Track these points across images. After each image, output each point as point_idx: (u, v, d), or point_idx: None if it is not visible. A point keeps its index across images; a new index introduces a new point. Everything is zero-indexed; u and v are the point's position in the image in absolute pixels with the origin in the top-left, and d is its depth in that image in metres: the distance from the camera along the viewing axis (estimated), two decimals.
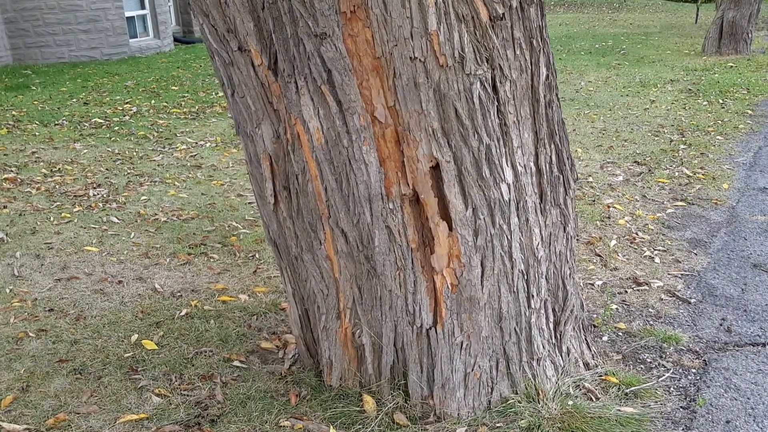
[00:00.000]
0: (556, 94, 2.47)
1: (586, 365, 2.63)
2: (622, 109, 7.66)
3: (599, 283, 3.46)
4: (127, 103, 8.81)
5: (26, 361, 2.88)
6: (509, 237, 2.30)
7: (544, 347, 2.45)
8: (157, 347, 2.97)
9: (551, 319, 2.50)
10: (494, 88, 2.23)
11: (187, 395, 2.62)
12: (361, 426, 2.33)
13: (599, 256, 3.78)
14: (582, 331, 2.66)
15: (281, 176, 2.46)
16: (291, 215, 2.47)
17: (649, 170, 5.44)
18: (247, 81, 2.37)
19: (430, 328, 2.32)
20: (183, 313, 3.26)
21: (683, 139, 6.37)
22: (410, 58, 2.10)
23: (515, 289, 2.34)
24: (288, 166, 2.41)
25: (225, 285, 3.57)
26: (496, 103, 2.23)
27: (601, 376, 2.59)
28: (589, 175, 5.29)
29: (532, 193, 2.38)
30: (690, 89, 8.71)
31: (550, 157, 2.43)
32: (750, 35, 11.37)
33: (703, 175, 5.28)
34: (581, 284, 3.43)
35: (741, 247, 3.94)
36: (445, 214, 2.25)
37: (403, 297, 2.33)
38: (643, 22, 18.77)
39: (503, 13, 2.20)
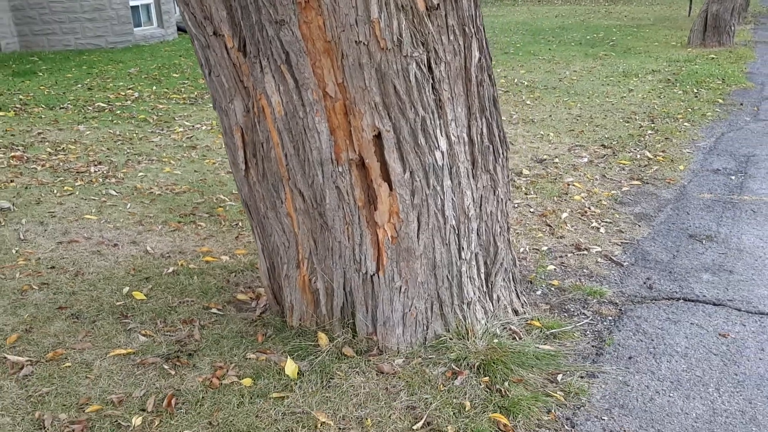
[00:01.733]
0: (489, 75, 2.84)
1: (515, 312, 3.02)
2: (600, 97, 8.02)
3: (544, 248, 3.84)
4: (129, 89, 9.20)
5: (29, 308, 3.28)
6: (442, 197, 2.68)
7: (474, 293, 2.84)
8: (145, 298, 3.37)
9: (482, 270, 2.88)
10: (429, 68, 2.60)
11: (169, 335, 3.02)
12: (314, 357, 2.73)
13: (549, 225, 4.16)
14: (512, 282, 3.05)
15: (250, 145, 2.85)
16: (258, 179, 2.86)
17: (614, 153, 5.80)
18: (221, 61, 2.75)
19: (374, 274, 2.71)
20: (170, 271, 3.66)
21: (652, 125, 6.73)
22: (355, 41, 2.47)
23: (447, 242, 2.72)
24: (255, 136, 2.80)
25: (209, 248, 3.97)
26: (431, 81, 2.61)
27: (527, 321, 2.98)
28: (556, 157, 5.66)
29: (465, 160, 2.76)
30: (669, 79, 9.05)
31: (482, 129, 2.80)
32: (733, 28, 11.69)
33: (662, 158, 5.64)
34: (527, 248, 3.81)
35: (682, 221, 4.31)
36: (387, 177, 2.63)
37: (351, 248, 2.71)
38: (637, 14, 19.05)
39: (438, 4, 2.57)
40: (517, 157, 5.68)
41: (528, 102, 7.85)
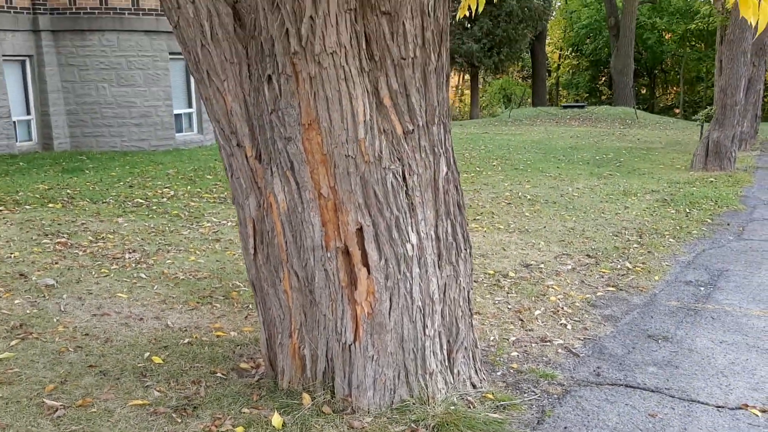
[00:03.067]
0: (455, 185, 3.49)
1: (473, 386, 3.52)
2: (595, 213, 8.65)
3: (513, 338, 4.35)
4: (166, 187, 10.10)
5: (65, 365, 3.86)
6: (411, 282, 3.27)
7: (437, 366, 3.36)
8: (162, 362, 3.93)
9: (444, 346, 3.42)
10: (404, 178, 3.26)
11: (179, 392, 3.56)
12: (297, 412, 3.24)
13: (521, 320, 4.68)
14: (472, 360, 3.56)
15: (259, 234, 3.49)
16: (263, 262, 3.49)
17: (597, 262, 6.35)
18: (242, 167, 3.45)
19: (351, 344, 3.26)
20: (186, 341, 4.23)
21: (639, 240, 7.29)
22: (345, 155, 3.15)
23: (414, 320, 3.28)
24: (263, 226, 3.45)
25: (221, 325, 4.55)
26: (405, 188, 3.26)
27: (483, 394, 3.46)
28: (542, 263, 6.22)
29: (432, 253, 3.36)
30: (665, 199, 9.68)
31: (447, 228, 3.43)
32: (734, 154, 12.42)
33: (641, 269, 6.16)
34: (497, 337, 4.32)
35: (645, 323, 4.79)
36: (366, 263, 3.23)
37: (334, 321, 3.29)
38: (650, 138, 20.00)
39: (413, 129, 3.27)
40: (507, 261, 6.26)
41: (527, 214, 8.51)
